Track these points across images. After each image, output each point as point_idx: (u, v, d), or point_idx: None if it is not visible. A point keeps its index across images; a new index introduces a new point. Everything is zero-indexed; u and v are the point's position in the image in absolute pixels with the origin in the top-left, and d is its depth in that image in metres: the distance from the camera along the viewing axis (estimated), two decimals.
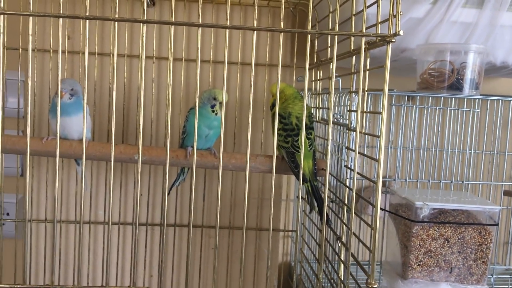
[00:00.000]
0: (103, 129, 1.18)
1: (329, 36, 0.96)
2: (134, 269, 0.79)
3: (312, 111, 1.10)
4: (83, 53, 1.15)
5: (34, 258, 1.20)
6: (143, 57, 0.71)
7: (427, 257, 0.90)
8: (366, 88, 0.72)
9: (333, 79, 0.72)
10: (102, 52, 1.17)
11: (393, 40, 0.64)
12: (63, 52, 1.14)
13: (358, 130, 0.70)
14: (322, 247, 0.80)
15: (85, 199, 1.19)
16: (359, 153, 0.71)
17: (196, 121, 0.75)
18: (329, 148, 0.76)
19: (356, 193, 0.77)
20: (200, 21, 0.67)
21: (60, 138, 0.97)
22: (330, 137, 0.76)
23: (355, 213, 0.77)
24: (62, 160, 1.17)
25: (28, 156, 0.72)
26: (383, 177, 1.18)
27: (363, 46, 0.69)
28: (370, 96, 1.16)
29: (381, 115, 0.64)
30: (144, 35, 0.68)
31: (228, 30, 0.71)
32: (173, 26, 0.68)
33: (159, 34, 1.17)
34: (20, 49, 1.12)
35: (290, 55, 1.21)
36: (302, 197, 1.14)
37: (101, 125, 1.18)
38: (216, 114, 0.97)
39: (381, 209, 0.97)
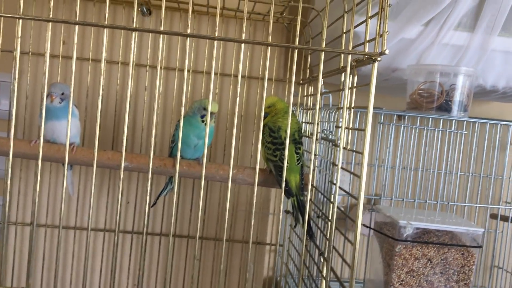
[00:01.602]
0: (94, 135, 1.17)
1: (322, 55, 0.97)
2: (114, 275, 0.78)
3: (302, 126, 1.11)
4: (76, 57, 1.15)
5: (18, 261, 1.19)
6: (131, 64, 0.72)
7: (409, 276, 0.90)
8: (352, 105, 0.73)
9: (319, 94, 0.73)
10: (96, 58, 1.17)
11: (378, 59, 0.65)
12: (57, 56, 1.14)
13: (342, 145, 0.71)
14: (302, 256, 0.79)
15: (72, 204, 1.19)
16: (341, 168, 0.72)
17: (181, 130, 0.75)
18: (312, 162, 0.76)
19: (339, 209, 0.76)
20: (189, 31, 0.68)
21: (49, 142, 0.97)
22: (313, 152, 0.76)
23: (337, 228, 0.77)
24: (51, 164, 1.17)
25: (10, 158, 0.72)
26: (369, 195, 1.18)
27: (349, 64, 0.70)
28: (360, 114, 1.16)
29: (366, 132, 0.64)
30: (134, 43, 0.68)
31: (218, 42, 0.71)
32: (163, 35, 0.68)
33: (154, 44, 1.17)
34: (14, 52, 1.13)
35: (283, 70, 1.22)
36: (288, 211, 1.14)
37: (92, 131, 1.18)
38: (205, 124, 0.97)
39: (365, 226, 0.97)
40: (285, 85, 1.21)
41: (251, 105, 1.21)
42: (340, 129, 0.84)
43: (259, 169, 0.84)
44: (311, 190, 1.01)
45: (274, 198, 1.28)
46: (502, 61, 1.07)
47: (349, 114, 0.74)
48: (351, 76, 0.74)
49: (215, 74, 1.17)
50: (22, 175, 1.17)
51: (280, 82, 1.22)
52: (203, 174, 0.75)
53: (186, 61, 0.69)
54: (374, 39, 0.67)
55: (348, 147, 0.73)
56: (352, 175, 1.19)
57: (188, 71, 1.17)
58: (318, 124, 0.74)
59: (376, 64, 0.65)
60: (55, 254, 1.20)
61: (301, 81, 1.14)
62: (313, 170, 0.80)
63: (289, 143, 0.95)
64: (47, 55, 0.70)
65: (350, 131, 0.75)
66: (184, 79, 0.72)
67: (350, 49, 0.71)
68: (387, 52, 0.63)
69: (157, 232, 1.22)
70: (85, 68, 1.17)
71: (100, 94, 0.72)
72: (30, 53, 1.14)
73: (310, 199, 1.01)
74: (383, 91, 1.20)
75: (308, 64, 1.11)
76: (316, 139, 0.99)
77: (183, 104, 0.73)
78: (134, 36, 0.71)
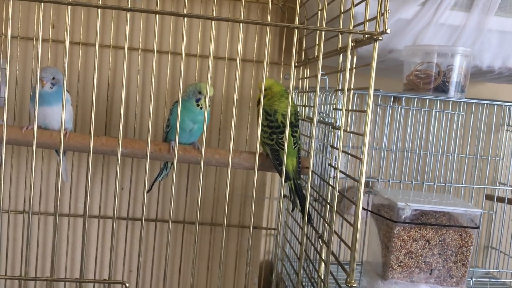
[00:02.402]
0: (86, 120, 1.16)
1: (317, 34, 0.96)
2: (112, 262, 0.78)
3: (298, 109, 1.10)
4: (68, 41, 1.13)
5: (11, 249, 1.17)
6: (126, 46, 0.70)
7: (407, 258, 0.90)
8: (352, 87, 0.72)
9: (319, 76, 0.71)
10: (87, 42, 1.15)
11: (380, 38, 0.63)
12: (46, 40, 1.12)
13: (342, 128, 0.70)
14: (302, 244, 0.79)
15: (65, 191, 1.17)
16: (342, 151, 0.71)
17: (179, 114, 0.74)
18: (313, 145, 0.75)
19: (340, 193, 0.76)
20: (185, 11, 0.66)
21: (41, 128, 0.96)
22: (314, 135, 0.75)
23: (337, 212, 0.76)
24: (43, 151, 1.15)
25: (3, 145, 0.70)
26: (366, 177, 1.18)
27: (350, 44, 0.68)
28: (357, 96, 1.15)
29: (367, 114, 0.63)
30: (128, 23, 0.66)
31: (215, 22, 0.69)
32: (158, 15, 0.67)
33: (146, 26, 1.15)
34: (3, 36, 1.10)
35: (278, 52, 1.20)
36: (285, 195, 1.13)
37: (83, 116, 1.16)
38: (201, 108, 0.96)
39: (363, 208, 0.96)
40: (280, 68, 1.19)
41: (245, 89, 1.20)
42: (338, 111, 0.83)
43: (255, 153, 0.83)
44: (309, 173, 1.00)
45: (270, 182, 1.28)
46: (498, 41, 1.06)
47: (348, 95, 0.72)
48: (350, 56, 0.73)
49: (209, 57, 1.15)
50: (13, 162, 1.15)
51: (275, 65, 1.20)
52: (202, 158, 0.74)
53: (183, 42, 0.67)
54: (375, 18, 0.65)
55: (348, 130, 0.72)
56: (349, 157, 1.19)
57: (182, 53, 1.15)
58: (316, 106, 0.72)
59: (377, 43, 0.64)
60: (49, 241, 1.19)
61: (296, 64, 1.13)
62: (310, 153, 0.79)
63: (285, 126, 0.95)
64: (39, 39, 0.68)
65: (350, 113, 0.74)
66: (181, 61, 0.70)
67: (351, 28, 0.70)
68: (388, 31, 0.62)
69: (152, 218, 1.21)
70: (75, 52, 1.14)
71: (94, 77, 0.70)
72: (19, 37, 1.11)
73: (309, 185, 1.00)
74: (379, 73, 1.19)
75: (303, 46, 1.09)
76: (313, 122, 0.98)
77: (180, 87, 0.71)
78: (127, 16, 0.69)
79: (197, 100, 0.95)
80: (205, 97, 0.96)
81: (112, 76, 1.16)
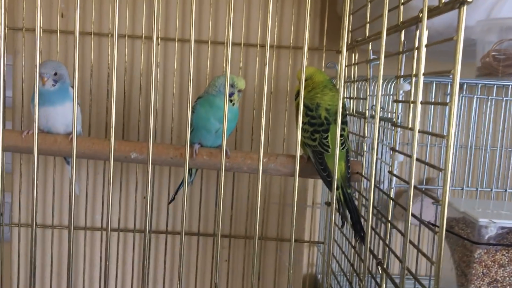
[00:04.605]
0: (101, 121, 1.02)
1: (368, 11, 0.78)
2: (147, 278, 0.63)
3: (346, 102, 0.92)
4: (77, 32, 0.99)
5: (23, 266, 1.05)
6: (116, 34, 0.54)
7: None
8: (422, 72, 0.54)
9: (382, 59, 0.54)
10: (99, 32, 1.00)
11: (469, 0, 0.46)
12: (55, 32, 0.98)
13: (416, 128, 0.51)
14: (363, 281, 0.62)
15: (80, 202, 1.04)
16: (417, 160, 0.52)
17: (190, 113, 0.58)
18: (375, 151, 0.57)
19: (413, 215, 0.57)
20: None
21: (43, 132, 0.83)
22: (376, 136, 0.57)
23: (411, 243, 0.58)
24: (54, 158, 1.02)
25: (0, 153, 0.57)
26: (434, 185, 0.98)
27: (426, 12, 0.50)
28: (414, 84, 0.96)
29: (452, 108, 0.45)
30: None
31: (240, 6, 0.53)
32: None
33: (166, 12, 1.00)
34: (7, 29, 0.97)
35: (319, 36, 1.03)
36: (329, 203, 0.96)
37: (98, 117, 1.02)
38: (233, 104, 0.81)
39: (432, 224, 0.78)
40: (322, 54, 1.02)
41: (282, 80, 1.03)
42: (400, 104, 0.65)
43: (295, 156, 0.67)
44: (361, 180, 0.83)
45: (312, 188, 1.11)
46: None
47: (417, 83, 0.55)
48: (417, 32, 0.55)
49: (238, 44, 0.99)
50: (23, 170, 1.02)
51: (316, 51, 1.03)
52: (223, 165, 0.58)
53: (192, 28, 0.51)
54: None
55: (421, 129, 0.54)
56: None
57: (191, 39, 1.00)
58: (379, 99, 0.55)
59: (464, 8, 0.46)
60: (65, 257, 1.06)
61: (340, 49, 0.95)
62: (373, 158, 0.62)
63: (330, 124, 0.78)
64: (37, 29, 0.53)
65: (418, 107, 0.56)
66: (191, 46, 0.54)
67: None
68: None
69: (177, 231, 1.06)
70: (87, 44, 1.00)
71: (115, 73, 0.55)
72: (24, 29, 0.99)
73: (361, 194, 0.83)
74: (442, 57, 1.00)
75: (350, 27, 0.91)
76: (365, 118, 0.80)
77: (190, 79, 0.56)
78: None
79: (230, 95, 0.79)
80: (238, 90, 0.81)
81: (129, 70, 1.01)
